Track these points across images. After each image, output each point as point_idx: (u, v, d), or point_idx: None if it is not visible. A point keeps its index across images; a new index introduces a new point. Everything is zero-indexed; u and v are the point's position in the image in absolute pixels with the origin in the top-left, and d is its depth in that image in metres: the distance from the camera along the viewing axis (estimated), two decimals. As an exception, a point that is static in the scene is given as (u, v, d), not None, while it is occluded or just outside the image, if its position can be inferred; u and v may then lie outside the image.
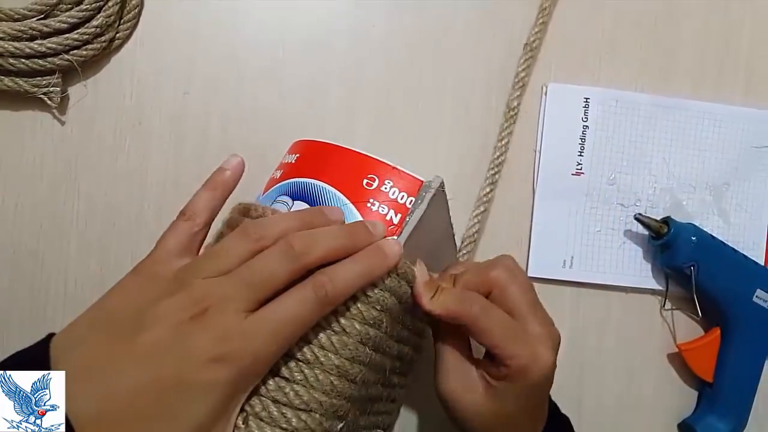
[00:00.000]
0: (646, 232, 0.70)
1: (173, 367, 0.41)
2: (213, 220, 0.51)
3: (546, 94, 0.71)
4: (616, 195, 0.72)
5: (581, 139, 0.72)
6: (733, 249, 0.69)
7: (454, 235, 0.61)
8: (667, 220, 0.69)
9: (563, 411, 0.68)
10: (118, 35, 0.66)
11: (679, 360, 0.71)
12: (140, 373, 0.41)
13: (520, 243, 0.72)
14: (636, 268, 0.72)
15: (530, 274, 0.71)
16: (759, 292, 0.68)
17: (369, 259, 0.46)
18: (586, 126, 0.72)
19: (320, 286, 0.44)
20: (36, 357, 0.44)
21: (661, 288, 0.72)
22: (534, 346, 0.50)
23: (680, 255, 0.68)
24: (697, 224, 0.70)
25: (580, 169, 0.72)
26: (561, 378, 0.71)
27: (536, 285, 0.70)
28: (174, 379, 0.41)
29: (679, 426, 0.72)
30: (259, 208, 0.49)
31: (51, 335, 0.45)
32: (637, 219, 0.69)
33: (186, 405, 0.41)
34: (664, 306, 0.72)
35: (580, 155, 0.72)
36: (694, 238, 0.68)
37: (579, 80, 0.72)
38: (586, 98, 0.72)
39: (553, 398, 0.71)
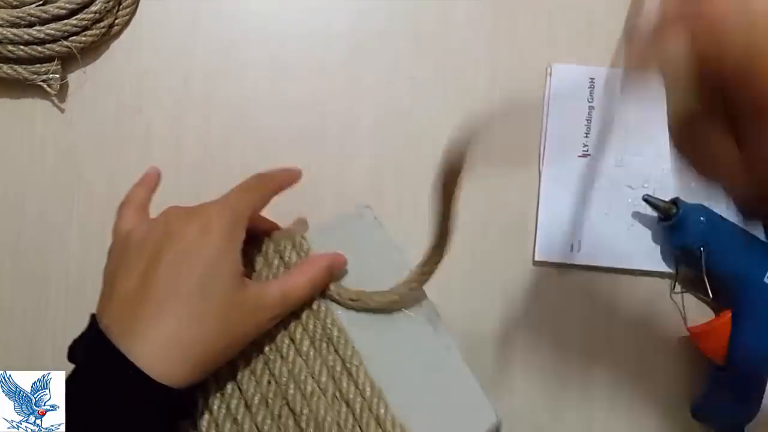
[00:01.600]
0: (655, 214, 0.69)
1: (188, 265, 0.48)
2: None
3: (550, 74, 0.70)
4: (624, 177, 0.71)
5: (587, 120, 0.71)
6: (744, 229, 0.68)
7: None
8: (675, 201, 0.67)
9: (572, 396, 0.68)
10: (117, 21, 0.66)
11: (690, 343, 0.70)
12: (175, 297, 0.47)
13: (527, 226, 0.71)
14: (645, 251, 0.71)
15: (537, 258, 0.70)
16: None
17: None
18: (592, 107, 0.71)
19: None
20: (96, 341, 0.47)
21: (670, 271, 0.71)
22: None
23: (689, 236, 0.66)
24: (706, 205, 0.69)
25: (587, 151, 0.71)
26: (570, 363, 0.71)
27: (544, 269, 0.71)
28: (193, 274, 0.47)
29: (692, 410, 0.71)
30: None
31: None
32: (645, 200, 0.68)
33: (213, 277, 0.48)
34: (674, 289, 0.70)
35: (587, 137, 0.71)
36: (703, 219, 0.66)
37: (585, 60, 0.71)
38: (592, 78, 0.71)
39: (562, 383, 0.70)
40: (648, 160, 0.71)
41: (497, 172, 0.69)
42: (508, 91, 0.70)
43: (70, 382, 0.46)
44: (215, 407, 0.51)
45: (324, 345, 0.53)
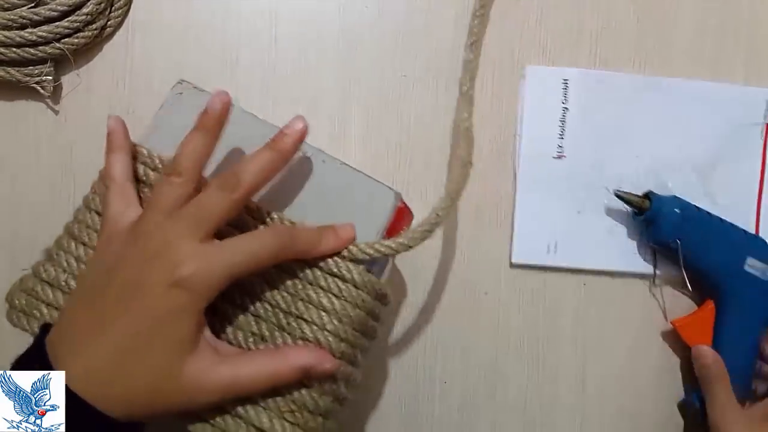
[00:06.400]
0: (631, 214, 0.71)
1: (141, 305, 0.46)
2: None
3: (524, 76, 0.72)
4: (599, 178, 0.72)
5: (561, 121, 0.72)
6: (720, 218, 0.69)
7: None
8: (648, 195, 0.69)
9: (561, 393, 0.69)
10: (109, 23, 0.66)
11: (674, 337, 0.71)
12: (116, 326, 0.46)
13: (504, 229, 0.71)
14: (622, 251, 0.72)
15: (514, 260, 0.71)
16: (750, 260, 0.68)
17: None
18: (566, 108, 0.72)
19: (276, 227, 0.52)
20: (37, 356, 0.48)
21: (648, 271, 0.72)
22: None
23: (665, 229, 0.68)
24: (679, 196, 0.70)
25: (562, 152, 0.72)
26: (554, 363, 0.72)
27: (521, 271, 0.71)
28: (143, 317, 0.46)
29: (680, 403, 0.72)
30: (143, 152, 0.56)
31: (45, 326, 0.50)
32: (617, 195, 0.69)
33: (162, 333, 0.46)
34: (654, 283, 0.72)
35: (561, 138, 0.72)
36: (677, 210, 0.67)
37: (562, 62, 0.72)
38: (566, 80, 0.72)
39: (549, 380, 0.71)
40: (623, 161, 0.72)
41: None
42: (493, 90, 0.72)
43: None
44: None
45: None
